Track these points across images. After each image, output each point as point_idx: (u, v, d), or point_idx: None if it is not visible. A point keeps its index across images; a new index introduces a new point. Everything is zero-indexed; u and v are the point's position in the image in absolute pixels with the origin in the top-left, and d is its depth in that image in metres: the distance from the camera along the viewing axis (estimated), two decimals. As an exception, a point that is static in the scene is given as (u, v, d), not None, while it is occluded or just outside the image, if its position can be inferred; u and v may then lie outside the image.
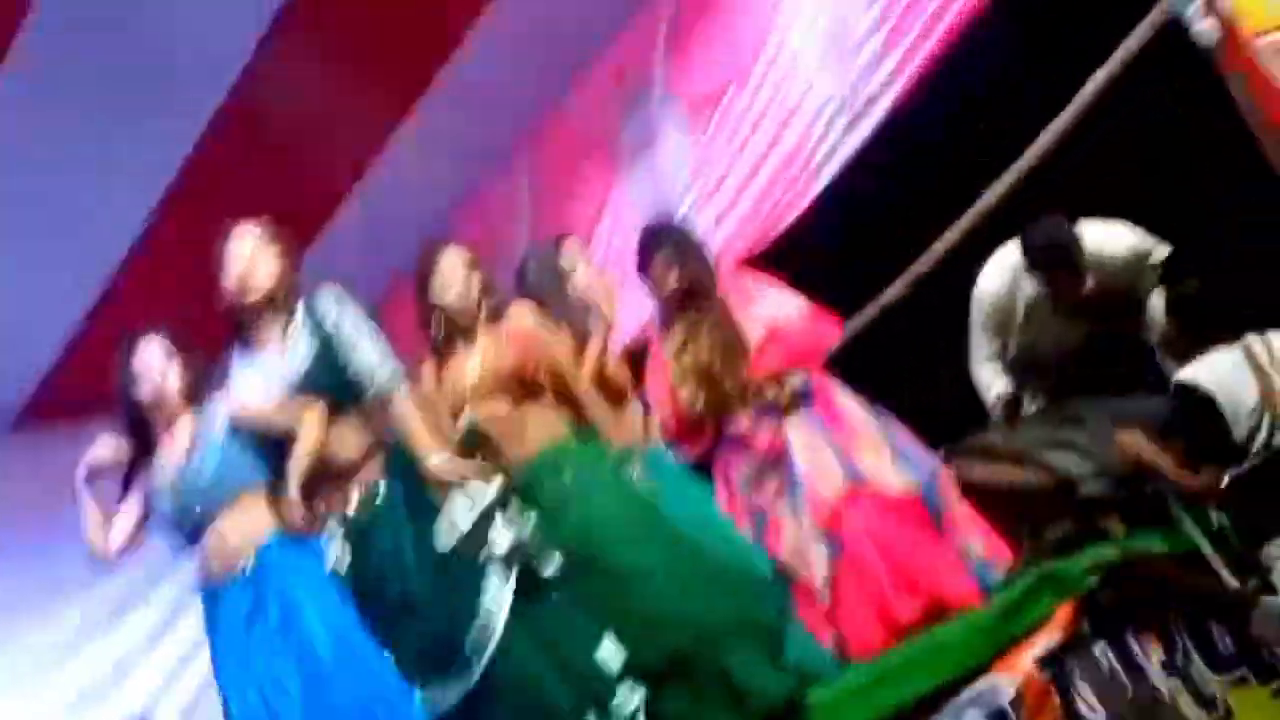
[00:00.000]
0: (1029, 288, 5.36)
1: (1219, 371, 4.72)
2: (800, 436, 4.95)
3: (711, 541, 4.54)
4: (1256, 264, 4.87)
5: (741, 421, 5.03)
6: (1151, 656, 4.08)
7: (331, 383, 4.32)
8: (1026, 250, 5.28)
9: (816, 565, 4.75)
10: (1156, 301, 5.19)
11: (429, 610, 4.15)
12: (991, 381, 5.50)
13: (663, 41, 6.84)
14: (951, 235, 5.76)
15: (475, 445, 4.47)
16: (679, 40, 6.79)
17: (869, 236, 5.88)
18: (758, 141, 6.40)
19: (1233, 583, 4.40)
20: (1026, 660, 4.02)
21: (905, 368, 5.56)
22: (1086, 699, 3.98)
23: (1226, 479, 4.64)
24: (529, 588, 4.15)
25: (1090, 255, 5.17)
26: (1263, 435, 4.64)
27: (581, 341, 4.92)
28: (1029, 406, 5.55)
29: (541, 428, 4.53)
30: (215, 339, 4.50)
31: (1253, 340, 4.72)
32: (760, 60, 6.41)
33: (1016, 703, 3.92)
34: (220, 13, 5.68)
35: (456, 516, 4.22)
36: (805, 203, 6.05)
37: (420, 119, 6.64)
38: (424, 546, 4.22)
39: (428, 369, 4.64)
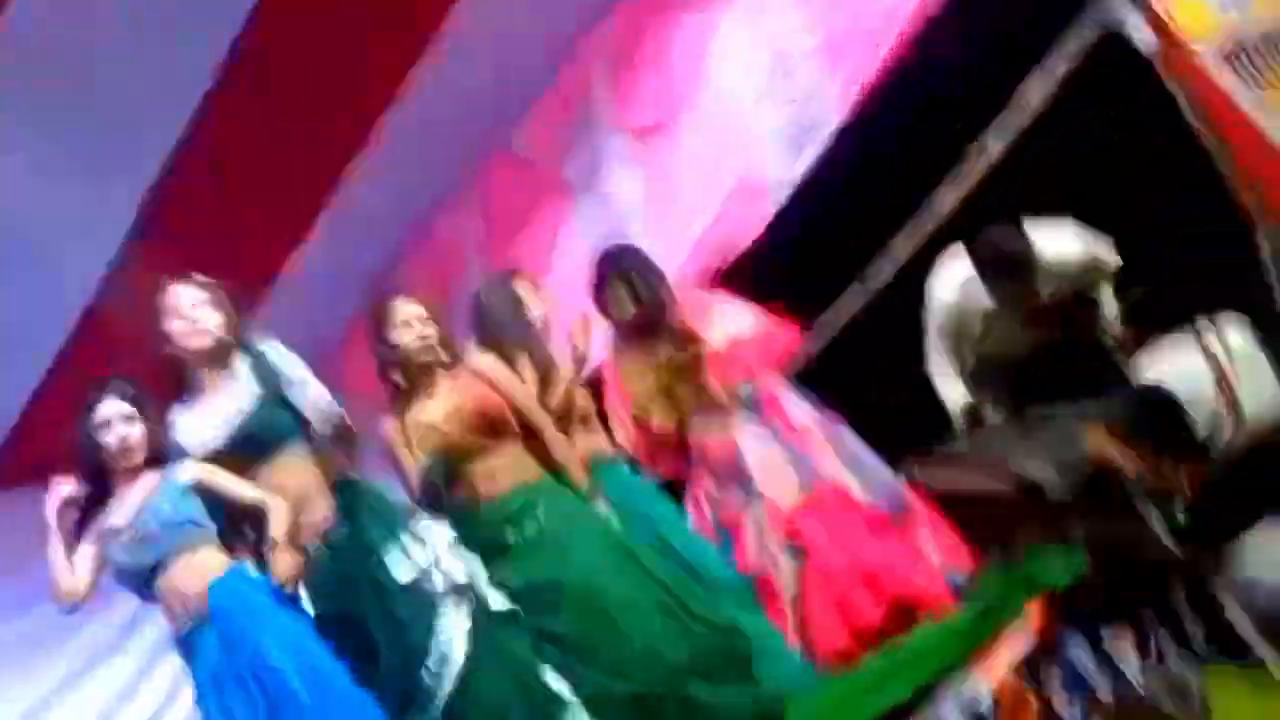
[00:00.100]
0: (983, 297, 5.37)
1: (1179, 370, 4.75)
2: (751, 444, 4.98)
3: (677, 570, 4.56)
4: (1203, 264, 4.91)
5: (698, 435, 5.06)
6: (1126, 652, 4.09)
7: (274, 424, 4.39)
8: (979, 261, 5.29)
9: (784, 578, 4.76)
10: (1108, 300, 5.21)
11: (388, 646, 4.15)
12: (952, 392, 5.50)
13: (604, 76, 6.88)
14: (905, 247, 5.79)
15: (442, 484, 4.48)
16: (619, 74, 6.83)
17: (825, 253, 5.90)
18: (705, 169, 6.42)
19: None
20: (1002, 664, 4.02)
21: (866, 381, 5.55)
22: (1063, 698, 3.99)
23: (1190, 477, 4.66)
24: (484, 621, 4.16)
25: (1042, 260, 5.19)
26: (1226, 430, 4.67)
27: (544, 370, 4.93)
28: (991, 414, 5.56)
29: (511, 467, 4.55)
30: (169, 392, 4.50)
31: (1204, 327, 4.75)
32: (701, 90, 6.46)
33: (995, 708, 3.92)
34: (166, 67, 5.67)
35: (411, 551, 4.23)
36: (758, 225, 6.08)
37: (368, 162, 6.63)
38: (379, 582, 4.22)
39: (391, 424, 4.64)
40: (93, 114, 5.63)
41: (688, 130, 6.52)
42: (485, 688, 4.09)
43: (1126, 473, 4.83)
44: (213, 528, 4.23)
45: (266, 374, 4.44)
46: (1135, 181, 5.27)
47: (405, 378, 4.65)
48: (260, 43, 5.70)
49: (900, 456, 5.11)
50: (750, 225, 6.13)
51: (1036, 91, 5.34)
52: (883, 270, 5.88)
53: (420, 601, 4.17)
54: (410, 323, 4.64)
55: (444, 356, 4.66)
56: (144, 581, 4.19)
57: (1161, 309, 4.95)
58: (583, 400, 5.12)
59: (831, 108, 5.87)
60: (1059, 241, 5.22)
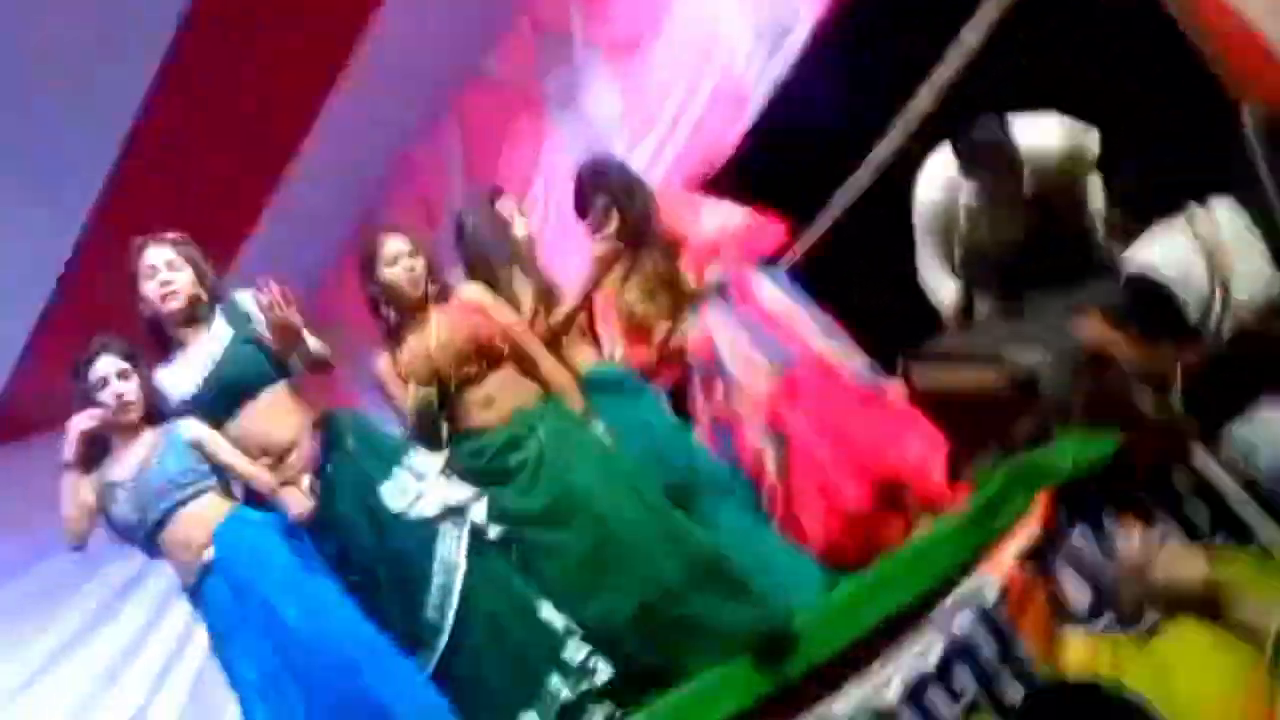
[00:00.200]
0: (967, 192, 5.35)
1: (1168, 253, 4.72)
2: (723, 332, 4.97)
3: (678, 480, 4.60)
4: (1189, 148, 4.89)
5: (684, 335, 5.06)
6: (1131, 537, 4.09)
7: (250, 366, 4.39)
8: (961, 154, 5.27)
9: (769, 467, 4.77)
10: (1095, 190, 5.20)
11: (389, 581, 4.21)
12: (941, 288, 5.50)
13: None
14: (887, 145, 5.76)
15: (437, 415, 4.49)
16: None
17: (808, 157, 5.87)
18: (682, 79, 6.39)
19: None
20: (1007, 557, 4.04)
21: (854, 284, 5.55)
22: (1071, 585, 4.01)
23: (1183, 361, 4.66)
24: (481, 547, 4.19)
25: (1025, 152, 5.16)
26: (1216, 311, 4.65)
27: (540, 289, 4.94)
28: (980, 309, 5.55)
29: (507, 394, 4.58)
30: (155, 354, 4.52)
31: (1195, 212, 4.72)
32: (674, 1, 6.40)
33: (1002, 600, 3.94)
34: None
35: (403, 480, 4.26)
36: (738, 131, 6.05)
37: (344, 94, 6.59)
38: (375, 514, 4.26)
39: (384, 358, 4.64)
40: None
41: (662, 41, 6.48)
42: (483, 618, 4.15)
43: (1121, 359, 4.84)
44: (214, 479, 4.25)
45: (237, 319, 4.44)
46: (1115, 69, 5.23)
47: (396, 313, 4.65)
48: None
49: (891, 358, 5.10)
50: (731, 132, 6.11)
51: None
52: (867, 171, 5.86)
53: (417, 531, 4.23)
54: (398, 258, 4.62)
55: (433, 289, 4.65)
56: (146, 535, 4.21)
57: (1149, 196, 4.93)
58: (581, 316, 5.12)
59: (807, 7, 5.82)
60: (1040, 132, 5.18)
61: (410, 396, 4.53)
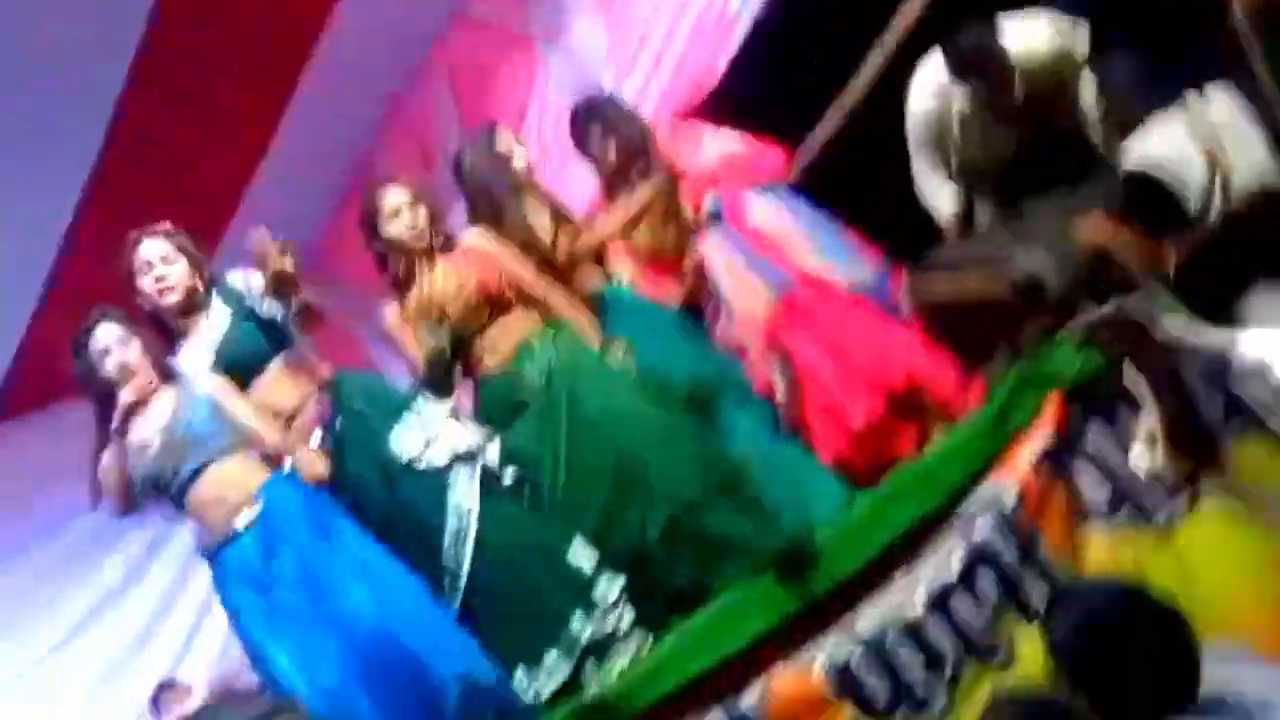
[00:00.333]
0: (959, 99, 5.32)
1: (1167, 145, 4.70)
2: (718, 257, 4.97)
3: (700, 395, 4.60)
4: (1181, 37, 4.86)
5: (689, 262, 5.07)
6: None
7: (250, 342, 4.46)
8: (951, 62, 5.24)
9: (778, 389, 4.79)
10: (1088, 87, 5.17)
11: (406, 533, 4.24)
12: (939, 197, 5.48)
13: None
14: (878, 59, 5.73)
15: (450, 364, 4.51)
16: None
17: (799, 76, 5.84)
18: (667, 6, 6.35)
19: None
20: (1023, 461, 4.05)
21: (852, 200, 5.53)
22: (1089, 482, 4.02)
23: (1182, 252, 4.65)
24: (494, 490, 4.20)
25: (1016, 56, 5.13)
26: (1216, 200, 4.64)
27: (553, 211, 4.97)
28: (980, 216, 5.54)
29: (515, 332, 4.61)
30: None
31: (1193, 100, 4.69)
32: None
33: (1020, 504, 3.96)
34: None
35: (412, 428, 4.27)
36: (728, 56, 6.01)
37: (330, 41, 6.55)
38: (385, 467, 4.29)
39: (392, 309, 4.64)
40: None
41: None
42: (501, 561, 4.20)
43: (1123, 257, 4.83)
44: (242, 436, 4.27)
45: (231, 299, 4.49)
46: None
47: (403, 266, 4.65)
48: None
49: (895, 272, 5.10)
50: (719, 57, 6.08)
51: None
52: (859, 85, 5.83)
53: (428, 481, 4.27)
54: (399, 211, 4.64)
55: (438, 240, 4.65)
56: (180, 489, 4.21)
57: (1142, 89, 4.90)
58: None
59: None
60: (1030, 34, 5.15)
61: (422, 347, 4.54)
